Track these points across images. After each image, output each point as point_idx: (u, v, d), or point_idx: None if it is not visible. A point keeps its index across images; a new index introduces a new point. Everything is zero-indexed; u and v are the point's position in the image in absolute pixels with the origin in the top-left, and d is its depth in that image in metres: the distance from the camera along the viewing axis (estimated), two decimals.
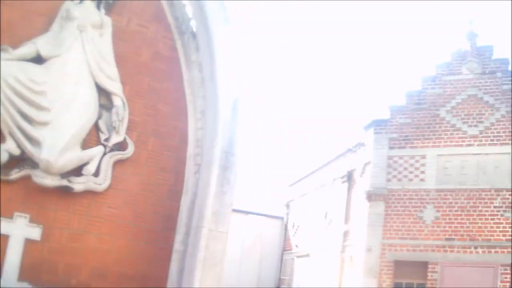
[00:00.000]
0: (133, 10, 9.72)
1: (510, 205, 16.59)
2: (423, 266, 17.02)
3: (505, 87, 17.53)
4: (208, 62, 9.89)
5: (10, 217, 8.26)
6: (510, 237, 16.37)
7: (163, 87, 9.78)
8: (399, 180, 17.84)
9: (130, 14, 9.66)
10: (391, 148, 18.17)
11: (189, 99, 10.03)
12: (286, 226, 28.49)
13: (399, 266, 17.27)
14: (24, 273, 8.16)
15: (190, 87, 10.04)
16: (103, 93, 9.08)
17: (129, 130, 9.17)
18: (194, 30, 10.09)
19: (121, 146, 9.08)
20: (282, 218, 29.13)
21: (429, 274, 16.83)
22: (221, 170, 9.49)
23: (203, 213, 9.15)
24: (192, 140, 9.92)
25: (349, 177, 20.56)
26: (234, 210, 24.19)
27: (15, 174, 8.36)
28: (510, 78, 17.55)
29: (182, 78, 10.06)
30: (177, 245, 9.36)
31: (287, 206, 28.97)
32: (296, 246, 25.96)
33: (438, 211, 17.20)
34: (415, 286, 17.10)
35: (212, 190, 9.27)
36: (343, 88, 71.53)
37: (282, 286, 26.99)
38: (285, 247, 27.94)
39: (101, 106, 9.03)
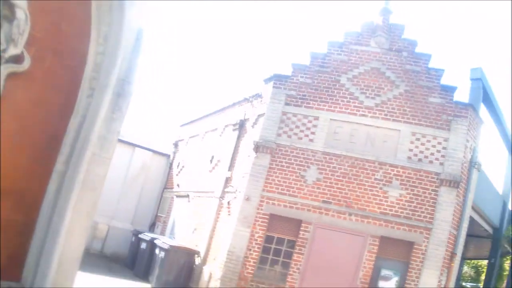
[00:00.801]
0: None
1: (391, 180, 17.13)
2: (297, 223, 17.42)
3: (408, 67, 18.00)
4: None
5: None
6: (384, 211, 17.00)
7: (69, 8, 9.31)
8: (289, 136, 18.03)
9: None
10: (287, 104, 18.28)
11: (94, 23, 9.63)
12: (171, 164, 28.42)
13: (274, 220, 17.58)
14: None
15: (97, 11, 9.62)
16: (7, 4, 8.57)
17: (28, 45, 8.69)
18: None
19: (17, 59, 8.64)
20: (169, 156, 29.02)
21: (301, 232, 17.26)
22: (115, 97, 9.24)
23: (89, 137, 8.88)
24: (90, 63, 9.56)
25: (241, 125, 20.55)
26: (122, 142, 24.03)
27: None
28: (414, 60, 18.04)
29: (90, 1, 9.65)
30: (59, 165, 9.05)
31: (176, 145, 28.85)
32: (178, 185, 25.94)
33: (320, 173, 17.54)
34: (285, 242, 17.44)
35: (102, 115, 9.00)
36: (251, 38, 71.62)
37: (158, 223, 26.96)
38: (167, 185, 27.90)
39: (3, 17, 8.53)
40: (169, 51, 72.11)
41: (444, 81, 17.88)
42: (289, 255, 17.30)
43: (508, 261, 34.14)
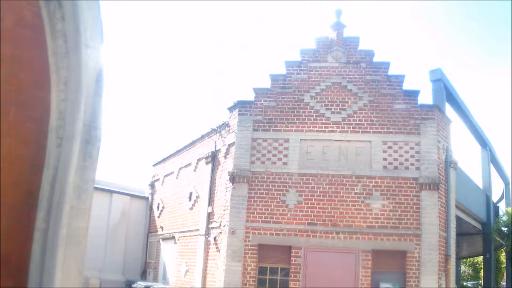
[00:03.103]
0: None
1: (371, 192, 17.08)
2: (287, 250, 17.25)
3: (368, 77, 18.05)
4: (72, 33, 9.29)
5: None
6: (371, 224, 16.90)
7: (26, 56, 9.09)
8: (263, 162, 17.91)
9: None
10: (255, 130, 18.19)
11: (53, 69, 9.41)
12: (151, 206, 28.05)
13: (264, 249, 17.39)
14: None
15: (54, 57, 9.40)
16: None
17: None
18: None
19: None
20: (147, 198, 28.66)
21: (292, 258, 17.10)
22: (83, 144, 8.96)
23: (64, 189, 8.60)
24: (54, 112, 9.33)
25: (213, 157, 20.40)
26: (98, 189, 23.58)
27: None
28: (374, 69, 18.08)
29: (46, 48, 9.42)
30: (39, 223, 8.80)
31: (152, 186, 28.44)
32: (161, 228, 25.60)
33: (300, 195, 17.43)
34: (279, 270, 17.27)
35: (74, 164, 8.72)
36: (211, 68, 71.71)
37: (148, 269, 26.59)
38: (151, 229, 27.49)
39: None
40: (133, 89, 71.94)
41: (406, 86, 17.99)
42: (285, 283, 17.10)
43: (503, 254, 34.16)
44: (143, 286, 21.38)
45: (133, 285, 22.54)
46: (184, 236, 22.41)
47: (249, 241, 17.39)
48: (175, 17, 70.35)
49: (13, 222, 8.60)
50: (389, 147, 17.37)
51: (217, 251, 18.59)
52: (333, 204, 17.19)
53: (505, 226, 29.07)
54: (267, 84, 18.68)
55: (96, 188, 24.66)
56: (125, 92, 69.21)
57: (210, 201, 20.19)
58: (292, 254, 17.12)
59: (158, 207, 26.71)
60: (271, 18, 72.03)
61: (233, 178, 17.80)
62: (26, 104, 9.04)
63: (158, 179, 27.67)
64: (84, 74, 9.12)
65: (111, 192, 27.29)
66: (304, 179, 17.52)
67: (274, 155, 17.91)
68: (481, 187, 28.03)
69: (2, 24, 8.93)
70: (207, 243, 19.64)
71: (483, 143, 28.79)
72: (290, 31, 74.63)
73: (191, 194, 22.38)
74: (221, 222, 18.46)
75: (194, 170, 22.63)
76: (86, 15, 9.24)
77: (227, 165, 18.76)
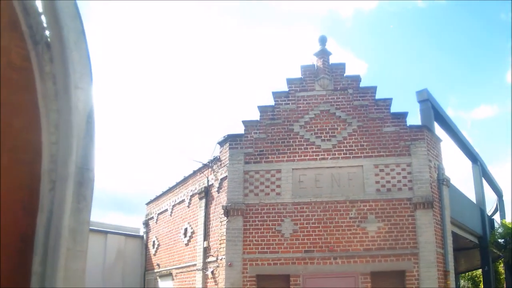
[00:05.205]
0: None
1: (366, 215, 17.15)
2: (285, 279, 17.22)
3: (356, 102, 18.28)
4: (61, 74, 9.30)
5: None
6: (368, 247, 16.95)
7: (16, 99, 9.16)
8: (256, 194, 17.96)
9: None
10: (246, 163, 18.26)
11: (43, 112, 9.42)
12: (146, 244, 27.94)
13: (262, 280, 17.34)
14: None
15: (43, 100, 9.39)
16: None
17: None
18: (49, 40, 9.55)
19: None
20: (142, 237, 28.56)
21: (291, 287, 17.05)
22: (77, 186, 8.93)
23: (60, 232, 8.55)
24: (46, 155, 9.28)
25: (206, 192, 20.38)
26: (93, 230, 23.40)
27: None
28: (361, 94, 18.31)
29: (35, 90, 9.47)
30: (36, 266, 8.74)
31: (146, 224, 28.37)
32: (158, 265, 25.49)
33: (296, 224, 17.46)
34: None
35: (68, 207, 8.67)
36: (198, 103, 72.04)
37: None
38: (147, 267, 27.32)
39: None
40: (121, 128, 72.01)
41: (394, 108, 18.26)
42: None
43: (502, 265, 34.17)
44: None
45: None
46: (182, 272, 22.30)
47: (247, 272, 17.34)
48: (162, 49, 70.81)
49: (9, 268, 8.60)
50: (381, 170, 17.50)
51: (216, 285, 18.50)
52: (328, 230, 17.22)
53: (501, 238, 29.07)
54: (256, 116, 18.82)
55: (91, 230, 24.53)
56: (111, 130, 69.32)
57: (206, 236, 20.13)
58: (291, 283, 17.06)
59: (153, 245, 26.57)
60: (259, 48, 72.55)
61: (227, 212, 17.81)
62: (17, 148, 9.07)
63: (152, 217, 27.59)
64: (74, 116, 9.17)
65: (105, 232, 27.15)
66: (298, 208, 17.57)
67: (267, 186, 17.98)
68: (475, 202, 28.16)
69: None
70: (205, 278, 19.54)
71: (474, 158, 29.05)
72: (278, 61, 75.19)
73: (186, 230, 22.33)
74: (217, 255, 18.42)
75: (188, 206, 22.62)
76: (74, 56, 9.31)
77: (220, 199, 18.78)
